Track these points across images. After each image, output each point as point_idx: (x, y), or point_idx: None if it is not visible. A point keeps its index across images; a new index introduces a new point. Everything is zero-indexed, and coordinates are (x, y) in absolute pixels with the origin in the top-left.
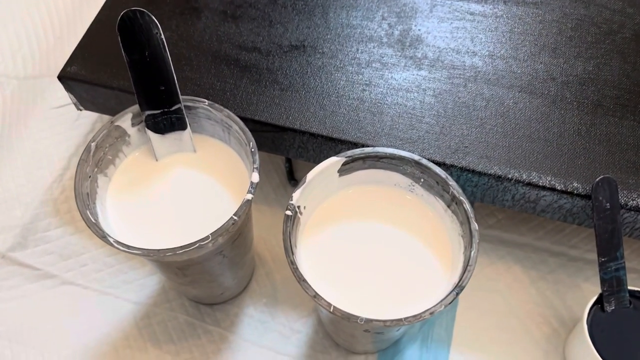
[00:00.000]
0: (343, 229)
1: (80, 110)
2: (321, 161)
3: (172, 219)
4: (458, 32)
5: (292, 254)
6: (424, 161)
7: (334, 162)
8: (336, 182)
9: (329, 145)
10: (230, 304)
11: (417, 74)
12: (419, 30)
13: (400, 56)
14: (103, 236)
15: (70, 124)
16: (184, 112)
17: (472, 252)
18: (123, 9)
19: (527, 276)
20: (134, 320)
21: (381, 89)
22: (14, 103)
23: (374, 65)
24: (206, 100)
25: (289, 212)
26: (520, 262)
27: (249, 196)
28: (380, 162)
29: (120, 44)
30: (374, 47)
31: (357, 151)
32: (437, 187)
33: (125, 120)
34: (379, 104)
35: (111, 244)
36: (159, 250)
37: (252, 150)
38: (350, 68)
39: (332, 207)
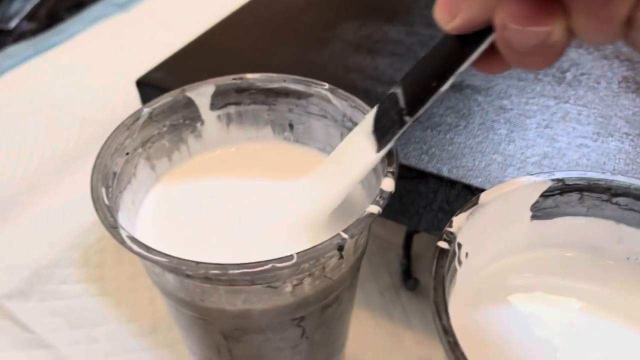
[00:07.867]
0: None
1: None
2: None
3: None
4: None
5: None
6: None
7: (530, 187)
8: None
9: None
10: None
11: None
12: None
13: None
14: (114, 226)
15: None
16: None
17: None
18: None
19: None
20: None
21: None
22: (79, 142)
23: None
24: (326, 84)
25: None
26: None
27: (375, 208)
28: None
29: None
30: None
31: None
32: None
33: (201, 95)
34: None
35: (122, 241)
36: (198, 263)
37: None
38: None
39: None
